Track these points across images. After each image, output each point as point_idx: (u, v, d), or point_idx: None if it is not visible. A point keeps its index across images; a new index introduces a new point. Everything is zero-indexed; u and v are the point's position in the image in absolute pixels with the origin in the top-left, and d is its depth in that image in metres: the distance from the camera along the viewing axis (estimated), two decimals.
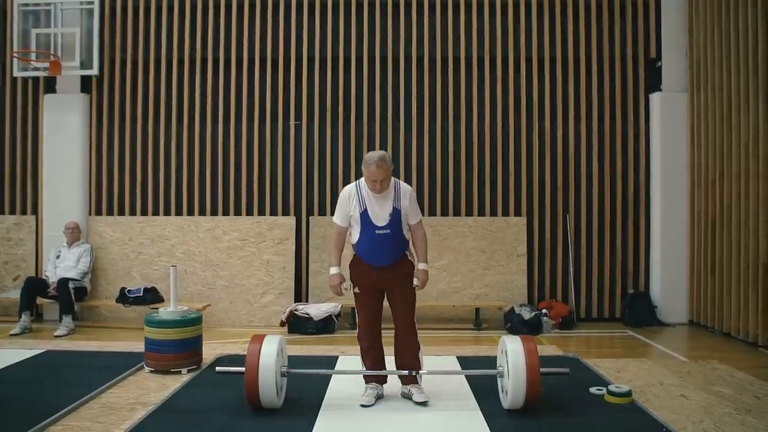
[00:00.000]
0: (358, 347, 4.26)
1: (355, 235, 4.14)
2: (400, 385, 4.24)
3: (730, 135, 6.52)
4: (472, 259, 7.47)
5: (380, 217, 4.04)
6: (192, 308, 5.39)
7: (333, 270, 4.18)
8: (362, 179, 4.10)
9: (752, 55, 6.13)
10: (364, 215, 4.04)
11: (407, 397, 4.16)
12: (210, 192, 7.74)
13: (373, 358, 4.17)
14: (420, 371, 4.11)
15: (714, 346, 6.24)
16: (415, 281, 4.13)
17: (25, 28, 7.45)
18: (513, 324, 6.84)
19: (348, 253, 4.21)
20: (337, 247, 4.20)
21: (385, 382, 4.26)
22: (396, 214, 4.05)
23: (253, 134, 7.73)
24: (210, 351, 5.48)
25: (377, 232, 4.04)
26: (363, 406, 4.04)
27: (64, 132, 7.62)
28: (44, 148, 7.69)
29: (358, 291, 4.17)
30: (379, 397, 4.18)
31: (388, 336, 4.22)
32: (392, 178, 4.11)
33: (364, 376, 4.22)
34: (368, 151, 7.57)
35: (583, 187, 7.62)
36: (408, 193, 4.12)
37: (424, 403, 4.04)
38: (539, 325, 6.81)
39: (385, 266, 4.08)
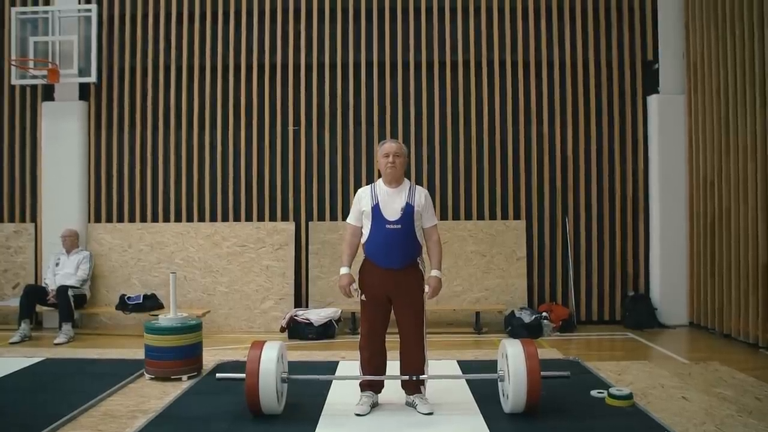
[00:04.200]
0: (358, 354, 4.19)
1: (366, 233, 4.08)
2: (405, 395, 4.19)
3: (728, 136, 6.53)
4: (472, 262, 7.47)
5: (392, 211, 3.99)
6: (192, 315, 5.38)
7: (343, 270, 4.10)
8: (376, 181, 4.14)
9: (749, 56, 6.15)
10: (376, 208, 4.00)
11: (411, 406, 4.12)
12: (209, 198, 7.75)
13: (372, 369, 4.10)
14: (420, 376, 4.08)
15: (714, 347, 6.23)
16: (426, 288, 4.08)
17: (23, 36, 7.45)
18: (513, 327, 6.84)
19: (359, 260, 4.17)
20: (349, 247, 4.14)
21: (380, 391, 4.20)
22: (408, 209, 4.00)
23: (252, 140, 7.74)
24: (210, 357, 5.48)
25: (388, 226, 3.97)
26: (357, 415, 3.99)
27: (63, 139, 7.63)
28: (43, 155, 7.69)
29: (365, 299, 4.10)
30: (374, 406, 4.13)
31: (394, 341, 4.16)
32: (408, 180, 4.15)
33: (360, 383, 4.17)
34: (367, 157, 7.65)
35: (582, 189, 7.63)
36: (423, 193, 4.12)
37: (428, 414, 3.98)
38: (540, 329, 6.80)
39: (393, 269, 4.00)
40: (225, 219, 7.72)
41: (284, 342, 4.29)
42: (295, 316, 6.93)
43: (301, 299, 7.54)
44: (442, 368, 5.01)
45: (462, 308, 7.33)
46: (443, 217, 7.52)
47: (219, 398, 4.31)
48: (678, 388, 4.53)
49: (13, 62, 7.43)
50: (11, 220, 7.80)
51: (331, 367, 5.25)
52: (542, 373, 3.79)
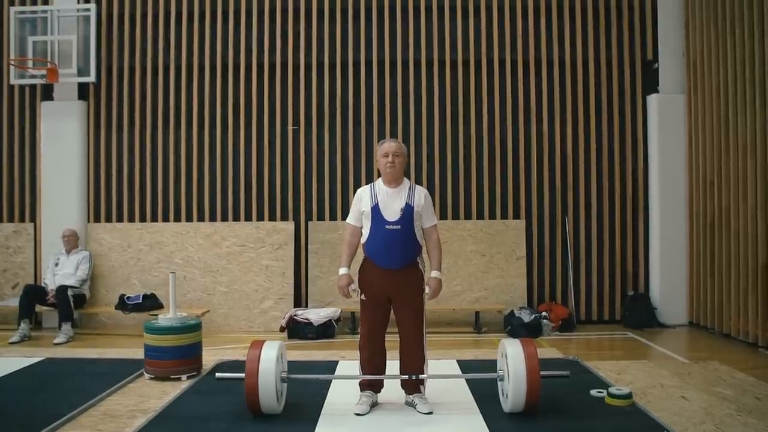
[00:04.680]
0: (358, 353, 4.19)
1: (365, 233, 4.07)
2: (404, 394, 4.20)
3: (728, 136, 6.53)
4: (472, 262, 7.47)
5: (391, 211, 3.99)
6: (191, 314, 5.38)
7: (341, 270, 4.10)
8: (376, 181, 4.14)
9: (749, 55, 6.15)
10: (375, 209, 4.00)
11: (411, 406, 4.12)
12: (208, 198, 7.74)
13: (372, 369, 4.10)
14: (420, 376, 4.08)
15: (714, 347, 6.24)
16: (426, 289, 4.08)
17: (22, 36, 7.45)
18: (513, 327, 6.84)
19: (359, 259, 4.17)
20: (349, 247, 4.14)
21: (380, 391, 4.20)
22: (408, 210, 4.00)
23: (252, 139, 7.73)
24: (210, 357, 5.48)
25: (387, 227, 3.97)
26: (357, 414, 4.00)
27: (62, 139, 7.63)
28: (42, 155, 7.69)
29: (365, 298, 4.09)
30: (374, 405, 4.14)
31: (394, 341, 4.16)
32: (408, 180, 4.15)
33: (359, 383, 4.18)
34: (366, 156, 7.65)
35: (582, 189, 7.63)
36: (423, 193, 4.11)
37: (428, 414, 3.99)
38: (539, 328, 6.80)
39: (393, 269, 3.99)
40: (224, 219, 7.72)
41: (284, 342, 4.28)
42: (295, 315, 6.93)
43: (300, 299, 7.54)
44: (441, 368, 5.01)
45: (461, 308, 7.33)
46: (443, 216, 7.52)
47: (218, 398, 4.30)
48: (677, 388, 4.53)
49: (12, 62, 7.43)
50: (11, 220, 7.80)
51: (330, 366, 5.24)
52: (542, 373, 3.79)
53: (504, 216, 7.63)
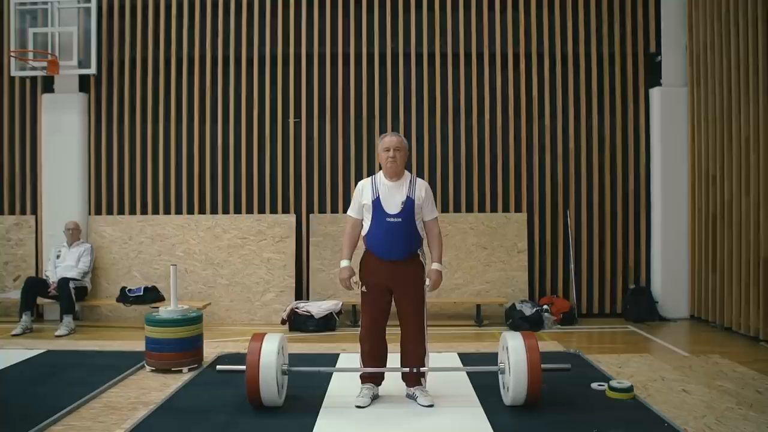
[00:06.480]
0: (359, 346, 4.19)
1: (366, 226, 4.09)
2: (405, 387, 4.21)
3: (730, 129, 6.51)
4: (473, 255, 7.47)
5: (392, 204, 4.00)
6: (192, 307, 5.38)
7: (343, 263, 4.10)
8: (377, 174, 4.13)
9: (752, 48, 6.12)
10: (376, 202, 4.01)
11: (412, 399, 4.13)
12: (210, 190, 7.74)
13: (372, 361, 4.10)
14: (421, 369, 4.08)
15: (715, 340, 6.24)
16: (427, 281, 4.09)
17: (23, 28, 7.43)
18: (514, 320, 6.84)
19: (360, 251, 4.16)
20: (350, 240, 4.14)
21: (381, 383, 4.21)
22: (409, 203, 4.01)
23: (253, 132, 7.72)
24: (211, 350, 5.49)
25: (388, 219, 3.98)
26: (358, 407, 4.01)
27: (63, 132, 7.62)
28: (43, 147, 7.68)
29: (366, 290, 4.09)
30: (375, 398, 4.15)
31: (395, 333, 4.16)
32: (409, 173, 4.15)
33: (360, 375, 4.19)
34: (368, 149, 7.63)
35: (584, 182, 7.61)
36: (424, 187, 4.12)
37: (429, 407, 4.00)
38: (540, 321, 6.80)
39: (394, 260, 4.00)
40: (226, 211, 7.71)
41: (285, 334, 4.29)
42: (296, 308, 6.93)
43: (301, 291, 7.54)
44: (442, 361, 5.02)
45: (463, 301, 7.33)
46: (444, 209, 7.51)
47: (219, 390, 4.31)
48: (678, 381, 4.54)
49: (13, 54, 7.41)
50: (12, 212, 7.80)
51: (331, 359, 5.25)
52: (543, 366, 3.79)
53: (505, 209, 7.62)
